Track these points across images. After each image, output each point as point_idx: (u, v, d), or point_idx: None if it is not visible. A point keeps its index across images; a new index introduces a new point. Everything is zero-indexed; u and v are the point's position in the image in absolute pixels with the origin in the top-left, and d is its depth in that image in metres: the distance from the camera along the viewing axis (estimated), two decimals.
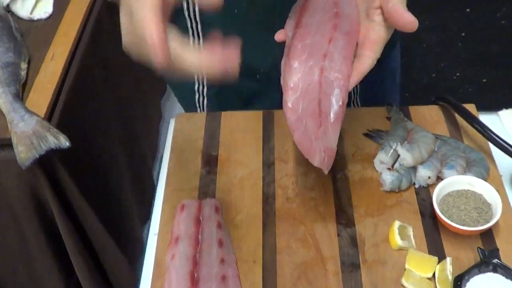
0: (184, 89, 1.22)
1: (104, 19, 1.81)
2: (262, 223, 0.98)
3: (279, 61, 0.89)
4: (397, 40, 1.31)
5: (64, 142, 1.34)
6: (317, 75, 0.79)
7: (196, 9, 1.07)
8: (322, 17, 0.86)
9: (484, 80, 2.72)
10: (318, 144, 0.80)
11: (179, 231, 0.95)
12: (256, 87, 1.15)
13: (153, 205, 1.05)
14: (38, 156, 1.31)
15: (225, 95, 1.20)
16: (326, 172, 0.82)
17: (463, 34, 2.86)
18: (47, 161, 1.36)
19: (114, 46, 1.88)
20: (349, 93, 1.20)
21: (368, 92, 1.27)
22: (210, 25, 1.08)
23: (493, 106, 1.21)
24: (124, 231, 1.87)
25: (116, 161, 1.89)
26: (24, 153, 1.32)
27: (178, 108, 2.81)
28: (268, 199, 1.01)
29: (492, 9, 3.03)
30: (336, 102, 0.79)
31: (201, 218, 0.97)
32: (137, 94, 2.23)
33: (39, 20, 1.68)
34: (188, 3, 1.06)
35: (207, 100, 1.22)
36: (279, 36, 0.87)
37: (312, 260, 0.93)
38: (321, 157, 0.80)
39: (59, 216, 1.44)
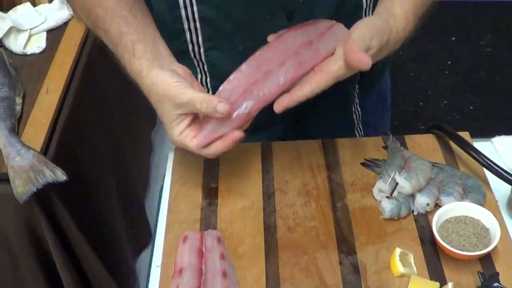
0: None
1: (96, 54, 1.82)
2: (265, 253, 0.99)
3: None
4: (387, 65, 1.33)
5: (61, 176, 1.35)
6: (248, 84, 0.94)
7: (202, 50, 1.09)
8: (294, 43, 0.96)
9: (471, 108, 2.76)
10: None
11: (182, 262, 0.95)
12: (263, 118, 1.16)
13: (155, 237, 1.06)
14: (35, 190, 1.32)
15: None
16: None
17: (449, 62, 2.91)
18: (43, 194, 1.37)
19: (106, 80, 1.90)
20: (352, 120, 1.23)
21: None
22: (216, 65, 1.11)
23: (482, 133, 1.23)
24: (117, 264, 1.87)
25: (108, 195, 1.89)
26: (22, 187, 1.32)
27: (168, 142, 2.82)
28: (270, 229, 1.02)
29: (476, 37, 3.09)
30: (244, 108, 0.93)
31: (203, 250, 0.98)
32: (128, 127, 2.24)
33: (32, 55, 1.70)
34: (193, 46, 1.08)
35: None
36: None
37: None
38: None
39: (55, 249, 1.44)
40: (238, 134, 0.93)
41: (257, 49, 0.97)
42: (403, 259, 0.95)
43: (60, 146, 1.49)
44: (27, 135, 1.44)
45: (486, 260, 0.96)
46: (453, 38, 3.05)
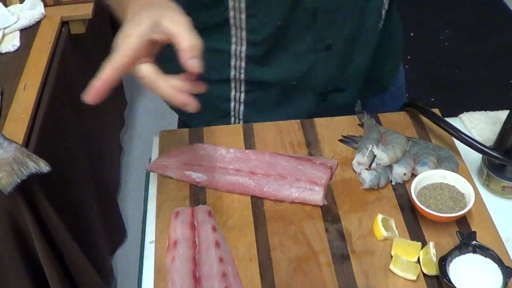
0: (218, 99, 1.25)
1: (69, 52, 1.86)
2: (254, 225, 1.03)
3: (312, 69, 1.10)
4: (401, 61, 1.42)
5: (44, 167, 1.38)
6: None
7: (243, 16, 1.11)
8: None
9: (432, 99, 2.85)
10: None
11: (176, 236, 1.00)
12: (290, 92, 1.22)
13: (146, 215, 1.09)
14: (19, 181, 1.34)
15: (262, 101, 1.24)
16: None
17: (409, 57, 2.99)
18: (25, 186, 1.39)
19: (79, 76, 1.92)
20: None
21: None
22: (256, 31, 1.13)
23: None
24: (96, 259, 1.89)
25: (84, 190, 1.92)
26: (6, 179, 1.34)
27: (137, 142, 2.85)
28: (257, 203, 1.07)
29: (435, 32, 3.19)
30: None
31: (195, 223, 1.02)
32: (100, 125, 2.27)
33: (7, 53, 1.72)
34: (235, 12, 1.10)
35: (244, 107, 1.25)
36: None
37: (305, 254, 0.98)
38: None
39: (38, 240, 1.45)
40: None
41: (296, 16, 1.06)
42: (385, 224, 1.01)
43: (40, 140, 1.52)
44: (8, 130, 1.46)
45: (463, 222, 1.03)
46: (412, 34, 3.14)
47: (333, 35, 1.15)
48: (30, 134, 1.50)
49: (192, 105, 0.84)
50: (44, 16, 1.85)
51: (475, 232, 0.98)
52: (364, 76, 1.26)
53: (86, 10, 1.90)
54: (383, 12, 1.19)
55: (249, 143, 1.18)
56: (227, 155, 1.12)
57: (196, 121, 1.26)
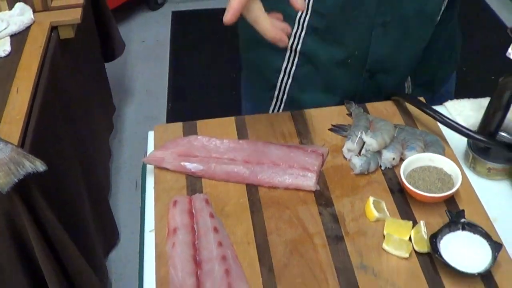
0: (268, 69, 1.31)
1: (58, 56, 1.89)
2: (250, 211, 1.07)
3: (368, 46, 1.19)
4: (454, 69, 1.47)
5: (40, 166, 1.41)
6: None
7: None
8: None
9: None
10: None
11: (175, 223, 1.03)
12: (340, 71, 1.27)
13: (144, 206, 1.12)
14: (16, 181, 1.37)
15: (310, 78, 1.29)
16: None
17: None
18: (21, 185, 1.41)
19: (70, 79, 1.96)
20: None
21: None
22: (320, 2, 1.20)
23: None
24: (91, 260, 1.91)
25: (78, 192, 1.95)
26: (3, 178, 1.37)
27: (126, 146, 2.87)
28: (252, 190, 1.10)
29: None
30: None
31: (193, 211, 1.05)
32: (90, 129, 2.29)
33: None
34: None
35: (292, 80, 1.30)
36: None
37: (300, 237, 1.02)
38: None
39: (35, 239, 1.48)
40: None
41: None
42: (377, 206, 1.05)
43: (35, 141, 1.55)
44: (3, 132, 1.49)
45: (451, 202, 1.07)
46: None
47: (392, 12, 1.19)
48: (25, 136, 1.53)
49: (284, 41, 0.97)
50: (34, 22, 1.88)
51: (463, 210, 1.02)
52: (414, 65, 1.30)
53: (74, 15, 1.94)
54: (442, 7, 1.24)
55: (241, 134, 1.22)
56: (221, 146, 1.15)
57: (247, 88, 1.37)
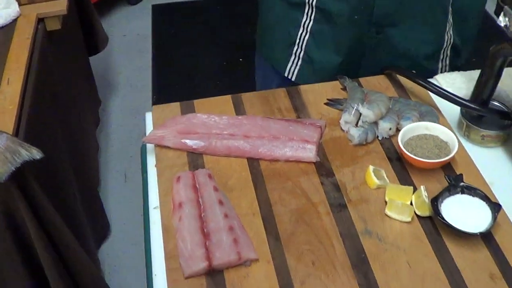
0: (290, 23, 1.34)
1: (46, 47, 1.89)
2: (253, 183, 1.08)
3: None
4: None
5: (36, 153, 1.41)
6: None
7: None
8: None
9: None
10: None
11: (180, 198, 1.04)
12: (350, 28, 1.29)
13: (147, 184, 1.13)
14: (14, 169, 1.37)
15: (325, 34, 1.32)
16: None
17: None
18: (18, 175, 1.42)
19: (57, 71, 1.96)
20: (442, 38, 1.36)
21: None
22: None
23: None
24: (83, 247, 1.92)
25: (69, 184, 1.94)
26: (0, 167, 1.37)
27: (113, 139, 2.87)
28: (253, 164, 1.12)
29: None
30: None
31: (197, 186, 1.07)
32: (78, 121, 2.30)
33: None
34: None
35: (309, 36, 1.33)
36: None
37: (304, 206, 1.04)
38: None
39: (32, 226, 1.47)
40: None
41: None
42: (377, 174, 1.07)
43: (28, 131, 1.54)
44: None
45: (448, 168, 1.09)
46: None
47: None
48: (19, 125, 1.53)
49: None
50: (20, 15, 1.88)
51: (461, 174, 1.05)
52: (420, 22, 1.30)
53: (60, 6, 1.94)
54: None
55: (239, 111, 1.23)
56: (221, 122, 1.17)
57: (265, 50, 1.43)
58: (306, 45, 1.34)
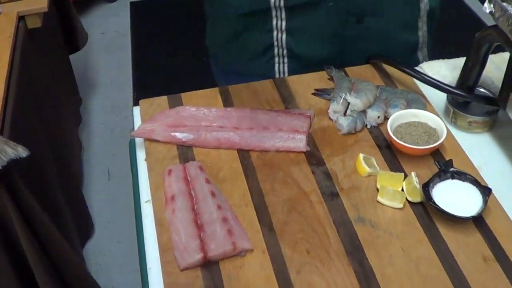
0: (260, 30, 1.31)
1: (28, 45, 1.87)
2: (244, 174, 1.08)
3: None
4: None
5: (22, 151, 1.40)
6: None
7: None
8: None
9: None
10: None
11: (172, 190, 1.04)
12: (328, 16, 1.27)
13: (138, 178, 1.13)
14: (0, 168, 1.36)
15: (303, 27, 1.30)
16: None
17: None
18: (4, 174, 1.41)
19: (39, 69, 1.94)
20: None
21: None
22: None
23: None
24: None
25: (52, 183, 1.93)
26: None
27: (94, 138, 2.85)
28: (244, 155, 1.12)
29: None
30: None
31: (188, 178, 1.07)
32: (59, 120, 2.28)
33: None
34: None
35: (286, 35, 1.30)
36: None
37: (297, 196, 1.04)
38: None
39: (18, 224, 1.46)
40: None
41: None
42: (367, 162, 1.08)
43: (13, 129, 1.53)
44: None
45: (437, 154, 1.10)
46: None
47: None
48: (3, 124, 1.52)
49: None
50: (0, 12, 1.86)
51: (451, 160, 1.06)
52: (402, 9, 1.31)
53: (41, 4, 1.93)
54: None
55: (227, 104, 1.23)
56: (210, 114, 1.17)
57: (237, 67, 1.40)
58: (286, 44, 1.32)
